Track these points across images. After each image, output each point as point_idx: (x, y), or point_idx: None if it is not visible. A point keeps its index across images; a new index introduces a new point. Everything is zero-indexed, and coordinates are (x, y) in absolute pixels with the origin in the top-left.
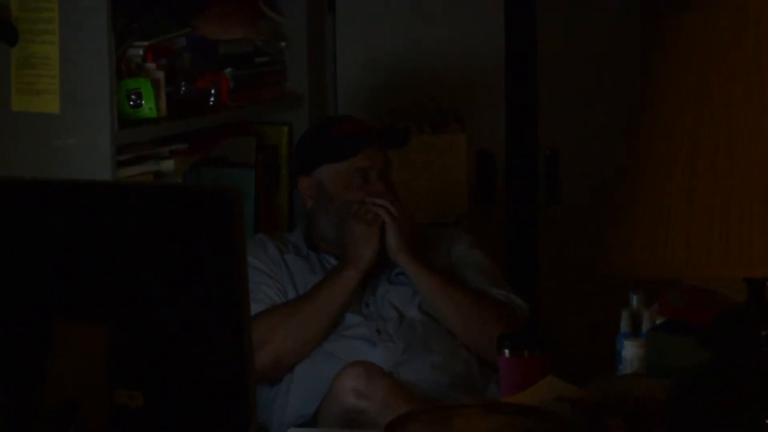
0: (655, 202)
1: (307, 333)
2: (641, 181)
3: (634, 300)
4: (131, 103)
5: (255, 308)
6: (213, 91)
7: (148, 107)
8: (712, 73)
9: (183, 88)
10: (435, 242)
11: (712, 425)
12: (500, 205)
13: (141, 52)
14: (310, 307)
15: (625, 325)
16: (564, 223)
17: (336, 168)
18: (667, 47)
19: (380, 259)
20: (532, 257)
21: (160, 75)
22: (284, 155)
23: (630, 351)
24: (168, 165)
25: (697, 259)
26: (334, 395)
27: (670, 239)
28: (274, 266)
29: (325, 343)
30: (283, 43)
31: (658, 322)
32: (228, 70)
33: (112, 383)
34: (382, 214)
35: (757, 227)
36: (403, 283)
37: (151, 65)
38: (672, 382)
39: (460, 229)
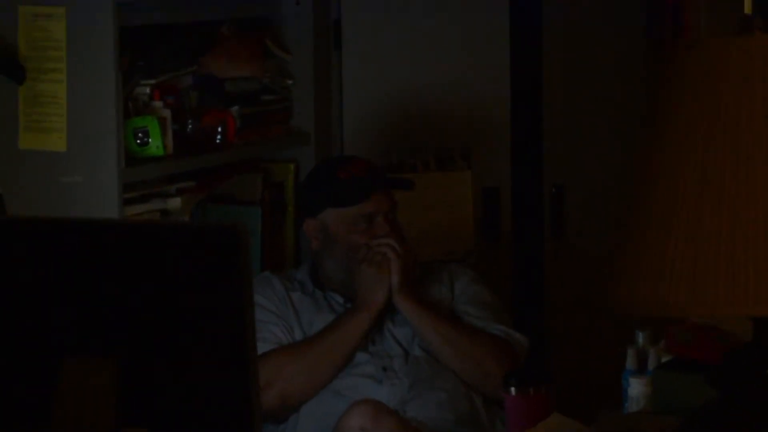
0: (659, 240)
1: (316, 375)
2: (645, 219)
3: (640, 337)
4: (138, 141)
5: (261, 348)
6: (219, 129)
7: (155, 145)
8: (718, 113)
9: (190, 126)
10: (438, 278)
11: None
12: (506, 241)
13: (148, 90)
14: (320, 349)
15: (631, 363)
16: (570, 259)
17: (341, 213)
18: (672, 87)
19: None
20: (538, 293)
21: (167, 113)
22: (290, 192)
23: (636, 389)
24: (175, 203)
25: (703, 298)
26: None
27: (674, 278)
28: (281, 304)
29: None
30: (289, 81)
31: (664, 359)
32: (235, 107)
33: (119, 420)
34: (388, 252)
35: (763, 265)
36: (407, 321)
37: (157, 103)
38: (681, 421)
39: (464, 265)
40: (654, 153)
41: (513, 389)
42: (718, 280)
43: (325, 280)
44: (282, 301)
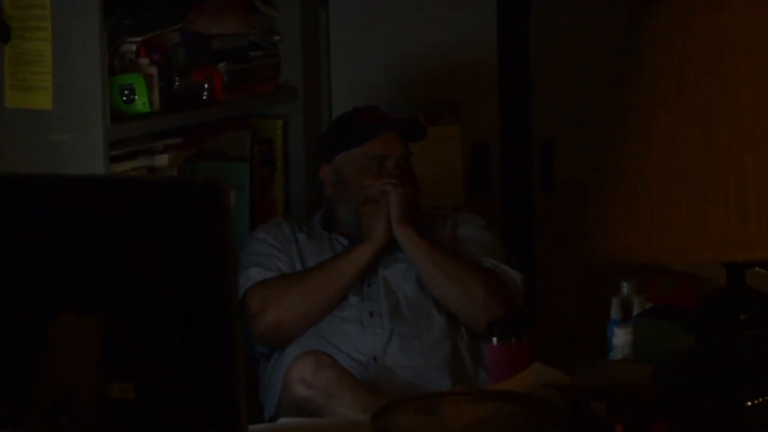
0: (632, 188)
1: (311, 302)
2: (618, 169)
3: (625, 287)
4: (124, 98)
5: (263, 275)
6: (206, 86)
7: (141, 102)
8: (688, 64)
9: (177, 83)
10: (443, 223)
11: (694, 408)
12: (495, 195)
13: (134, 48)
14: (319, 276)
15: (615, 312)
16: (559, 211)
17: (352, 154)
18: (646, 39)
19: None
20: (527, 246)
21: (153, 70)
22: (279, 148)
23: (620, 337)
24: (162, 160)
25: (675, 244)
26: (286, 385)
27: (647, 225)
28: (286, 243)
29: (319, 323)
30: (277, 37)
31: (647, 308)
32: (222, 64)
33: (105, 376)
34: (387, 189)
35: (733, 211)
36: (400, 260)
37: (144, 60)
38: (655, 367)
39: (472, 213)
40: (627, 104)
41: (495, 339)
42: (689, 227)
43: (336, 225)
44: (288, 241)
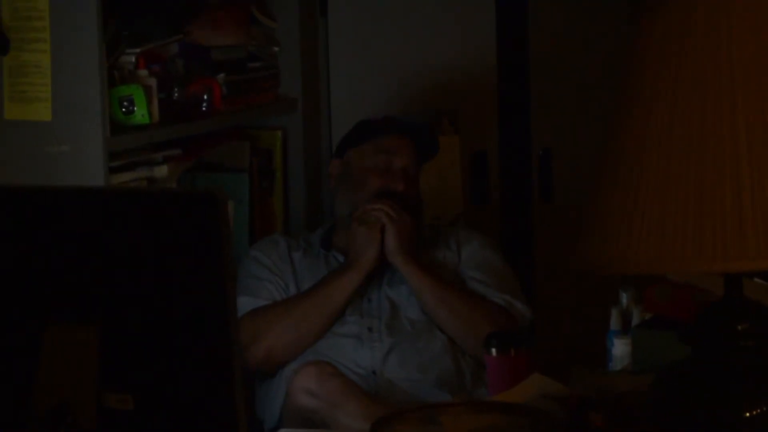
0: (627, 197)
1: (302, 331)
2: (613, 177)
3: (624, 297)
4: (123, 109)
5: (256, 303)
6: (206, 97)
7: (141, 113)
8: (685, 69)
9: (176, 94)
10: (445, 242)
11: (693, 419)
12: (495, 205)
13: (133, 59)
14: (307, 305)
15: (615, 323)
16: (558, 221)
17: (360, 149)
18: (641, 45)
19: (384, 258)
20: (527, 256)
21: (153, 81)
22: (278, 160)
23: (620, 348)
24: (161, 171)
25: (671, 254)
26: (290, 395)
27: (643, 235)
28: (281, 263)
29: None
30: (276, 48)
31: (646, 318)
32: (221, 75)
33: (102, 386)
34: (381, 216)
35: (729, 220)
36: (405, 281)
37: (143, 72)
38: (653, 377)
39: (473, 229)
40: (622, 111)
41: (494, 350)
42: (686, 236)
43: (335, 241)
44: (282, 259)
